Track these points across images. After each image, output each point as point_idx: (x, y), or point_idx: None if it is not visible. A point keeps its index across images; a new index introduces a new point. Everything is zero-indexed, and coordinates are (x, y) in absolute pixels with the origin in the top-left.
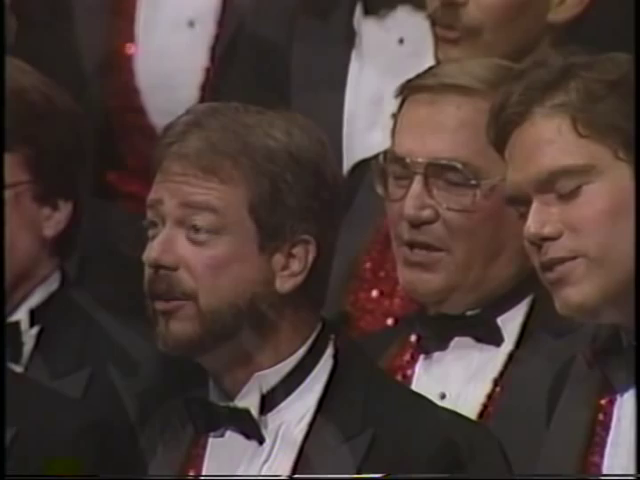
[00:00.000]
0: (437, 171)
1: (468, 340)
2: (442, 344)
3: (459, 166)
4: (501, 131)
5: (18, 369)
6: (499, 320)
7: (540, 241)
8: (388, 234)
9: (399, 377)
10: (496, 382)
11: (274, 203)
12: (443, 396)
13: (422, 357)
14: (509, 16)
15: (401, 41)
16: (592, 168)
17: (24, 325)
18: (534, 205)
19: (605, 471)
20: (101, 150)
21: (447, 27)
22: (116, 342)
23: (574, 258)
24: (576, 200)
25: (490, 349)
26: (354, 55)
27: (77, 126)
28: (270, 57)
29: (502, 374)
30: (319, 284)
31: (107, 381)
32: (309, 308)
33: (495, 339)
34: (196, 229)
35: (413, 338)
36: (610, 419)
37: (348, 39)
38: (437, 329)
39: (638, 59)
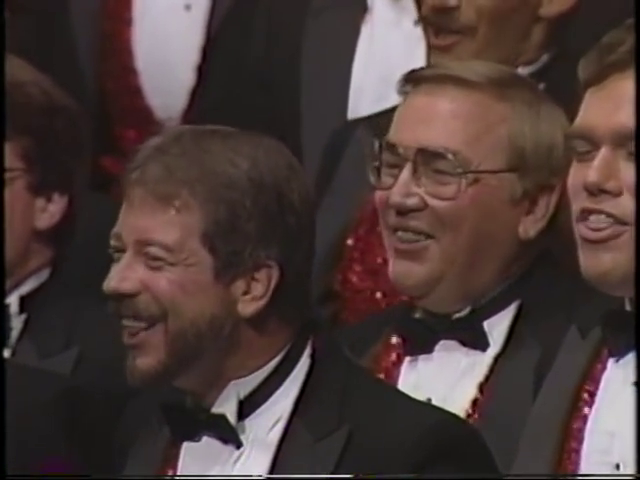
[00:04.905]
0: (426, 159)
1: (454, 343)
2: (427, 347)
3: (448, 155)
4: (601, 70)
5: (7, 352)
6: (485, 324)
7: (598, 192)
8: (375, 211)
9: (385, 378)
10: (481, 387)
11: (231, 230)
12: (429, 401)
13: (408, 359)
14: (503, 14)
15: (416, 22)
16: None
17: (14, 308)
18: (603, 154)
19: (587, 435)
20: (97, 134)
21: (440, 33)
22: (102, 324)
23: (624, 223)
24: None
25: (476, 353)
26: (364, 31)
27: (75, 122)
28: (283, 35)
29: (487, 379)
30: (294, 302)
31: (95, 361)
32: (284, 323)
33: (481, 344)
34: (153, 258)
35: (394, 340)
36: (597, 386)
37: (361, 16)
38: (423, 331)
39: (638, 58)
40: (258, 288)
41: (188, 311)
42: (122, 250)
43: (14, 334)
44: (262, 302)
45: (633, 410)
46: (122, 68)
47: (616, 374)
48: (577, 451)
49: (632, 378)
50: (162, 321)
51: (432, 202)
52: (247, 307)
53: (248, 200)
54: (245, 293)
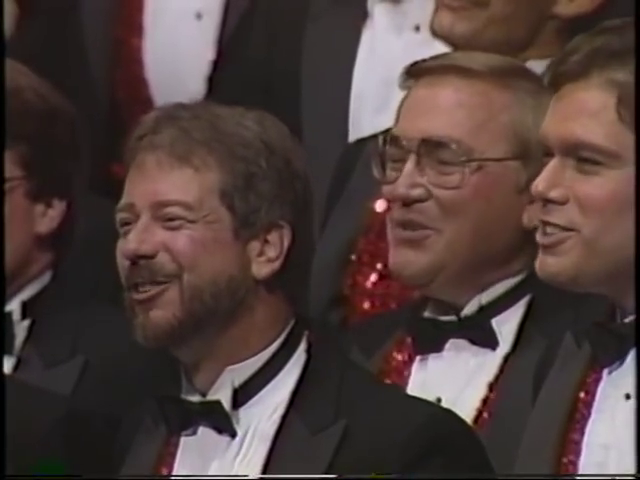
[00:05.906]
0: (429, 149)
1: (463, 342)
2: (437, 346)
3: (452, 144)
4: (555, 79)
5: (11, 360)
6: (494, 322)
7: (544, 201)
8: (385, 216)
9: (396, 377)
10: (491, 386)
11: (248, 189)
12: (439, 400)
13: (418, 359)
14: None
15: (417, 28)
16: (619, 158)
17: (16, 316)
18: (552, 163)
19: (584, 448)
20: (110, 141)
21: None
22: (108, 332)
23: (569, 230)
24: (592, 177)
25: (486, 352)
26: (365, 36)
27: (72, 126)
28: (282, 40)
29: (497, 378)
30: (296, 278)
31: (100, 370)
32: (285, 301)
33: (490, 342)
34: (170, 219)
35: (405, 340)
36: (593, 397)
37: (361, 21)
38: (432, 330)
39: (638, 57)
40: (272, 250)
41: (208, 269)
42: (132, 222)
43: (18, 341)
44: (276, 264)
45: (629, 423)
46: (133, 78)
47: (610, 386)
48: (574, 464)
49: (626, 390)
50: (177, 279)
51: (436, 192)
52: (262, 268)
53: (262, 160)
54: (260, 254)
